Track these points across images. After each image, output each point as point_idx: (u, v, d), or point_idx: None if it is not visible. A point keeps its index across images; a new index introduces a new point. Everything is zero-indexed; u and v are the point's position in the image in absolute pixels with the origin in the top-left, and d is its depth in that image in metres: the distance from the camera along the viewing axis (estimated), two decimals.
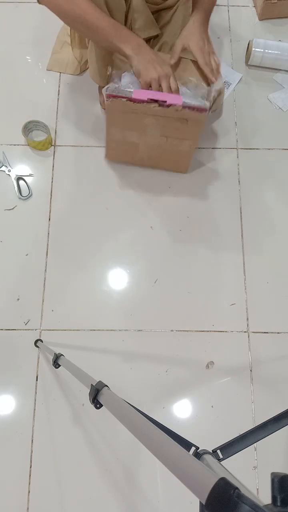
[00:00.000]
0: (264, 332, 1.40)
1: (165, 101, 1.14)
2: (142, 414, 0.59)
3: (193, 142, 1.36)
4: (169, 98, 1.15)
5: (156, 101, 1.14)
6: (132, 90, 1.15)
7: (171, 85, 1.15)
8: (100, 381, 0.71)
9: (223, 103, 1.65)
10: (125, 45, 1.12)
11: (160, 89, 1.15)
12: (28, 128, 1.56)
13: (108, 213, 1.51)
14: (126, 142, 1.39)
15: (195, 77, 1.24)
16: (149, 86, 1.15)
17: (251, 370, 1.36)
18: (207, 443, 0.70)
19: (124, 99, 1.13)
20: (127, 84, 1.18)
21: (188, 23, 1.26)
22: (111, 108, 1.19)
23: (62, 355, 1.10)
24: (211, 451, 0.69)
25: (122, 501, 1.23)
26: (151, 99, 1.14)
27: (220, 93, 1.25)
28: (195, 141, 1.36)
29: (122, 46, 1.12)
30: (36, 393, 1.31)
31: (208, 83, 1.25)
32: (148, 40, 1.45)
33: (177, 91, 1.17)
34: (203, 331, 1.39)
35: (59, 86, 1.68)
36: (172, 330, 1.39)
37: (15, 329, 1.37)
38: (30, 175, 1.55)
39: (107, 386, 0.70)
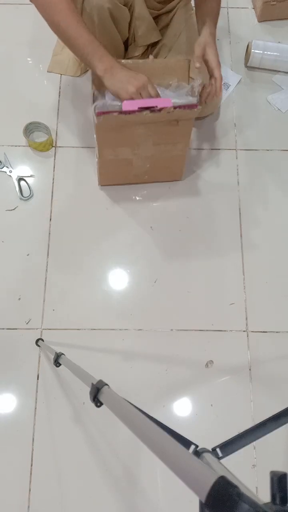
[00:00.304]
0: (263, 332, 1.40)
1: (156, 106, 1.15)
2: (142, 413, 0.59)
3: (185, 144, 1.36)
4: (159, 102, 1.16)
5: (146, 108, 1.14)
6: (120, 103, 1.15)
7: (151, 92, 1.15)
8: (100, 380, 0.71)
9: (220, 106, 1.66)
10: (98, 65, 1.12)
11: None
12: (29, 129, 1.57)
13: (108, 213, 1.52)
14: (119, 161, 1.39)
15: (175, 78, 1.25)
16: None
17: (250, 369, 1.37)
18: (207, 442, 0.71)
19: (116, 113, 1.13)
20: (112, 98, 1.18)
21: (203, 32, 1.25)
22: (102, 126, 1.19)
23: (62, 354, 1.10)
24: (211, 450, 0.70)
25: (122, 500, 1.24)
26: (142, 108, 1.14)
27: (203, 86, 1.25)
28: (187, 143, 1.36)
29: (96, 66, 1.13)
30: (37, 392, 1.32)
31: (189, 82, 1.26)
32: (148, 46, 1.46)
33: (158, 96, 1.17)
34: (202, 330, 1.40)
35: (59, 88, 1.68)
36: (171, 330, 1.40)
37: (16, 329, 1.38)
38: (31, 176, 1.56)
39: (107, 385, 0.70)
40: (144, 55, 1.48)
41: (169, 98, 1.20)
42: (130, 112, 1.13)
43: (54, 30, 1.16)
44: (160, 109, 1.14)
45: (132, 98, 1.13)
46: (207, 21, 1.27)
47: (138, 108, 1.13)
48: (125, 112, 1.13)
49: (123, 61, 1.28)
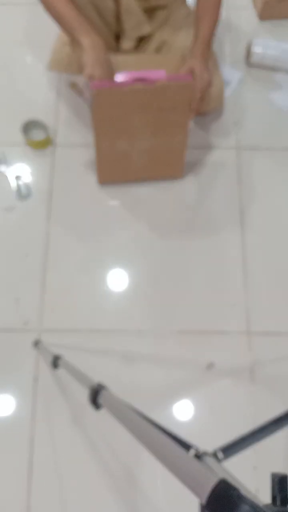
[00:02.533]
0: (265, 333, 1.40)
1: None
2: (142, 415, 0.59)
3: (183, 136, 1.36)
4: (152, 74, 1.18)
5: (140, 80, 1.16)
6: None
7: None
8: (99, 382, 0.71)
9: (223, 104, 1.65)
10: (84, 39, 1.21)
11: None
12: (28, 127, 1.56)
13: (107, 212, 1.51)
14: (117, 153, 1.39)
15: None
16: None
17: (251, 371, 1.36)
18: (207, 444, 0.70)
19: (109, 86, 1.14)
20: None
21: (190, 55, 1.29)
22: (98, 104, 1.19)
23: (61, 356, 1.10)
24: (211, 452, 0.69)
25: (122, 501, 1.23)
26: (135, 79, 1.16)
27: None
28: (185, 135, 1.36)
29: (82, 39, 1.22)
30: (35, 394, 1.31)
31: None
32: (141, 39, 1.46)
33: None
34: (203, 331, 1.39)
35: (58, 86, 1.68)
36: (172, 331, 1.39)
37: (14, 330, 1.37)
38: (29, 174, 1.55)
39: (106, 387, 0.70)
40: (137, 48, 1.49)
41: (163, 70, 1.22)
42: (124, 84, 1.15)
43: (44, 6, 1.26)
44: (154, 81, 1.15)
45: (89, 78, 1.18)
46: (197, 40, 1.31)
47: (132, 79, 1.16)
48: (119, 85, 1.14)
49: (120, 56, 1.30)
